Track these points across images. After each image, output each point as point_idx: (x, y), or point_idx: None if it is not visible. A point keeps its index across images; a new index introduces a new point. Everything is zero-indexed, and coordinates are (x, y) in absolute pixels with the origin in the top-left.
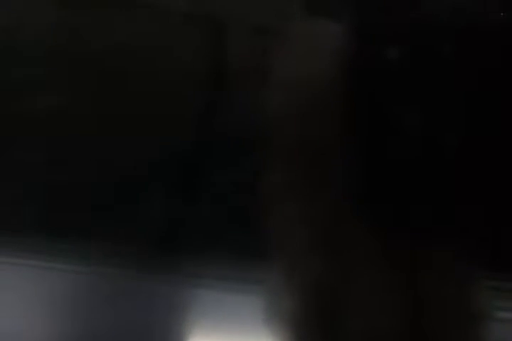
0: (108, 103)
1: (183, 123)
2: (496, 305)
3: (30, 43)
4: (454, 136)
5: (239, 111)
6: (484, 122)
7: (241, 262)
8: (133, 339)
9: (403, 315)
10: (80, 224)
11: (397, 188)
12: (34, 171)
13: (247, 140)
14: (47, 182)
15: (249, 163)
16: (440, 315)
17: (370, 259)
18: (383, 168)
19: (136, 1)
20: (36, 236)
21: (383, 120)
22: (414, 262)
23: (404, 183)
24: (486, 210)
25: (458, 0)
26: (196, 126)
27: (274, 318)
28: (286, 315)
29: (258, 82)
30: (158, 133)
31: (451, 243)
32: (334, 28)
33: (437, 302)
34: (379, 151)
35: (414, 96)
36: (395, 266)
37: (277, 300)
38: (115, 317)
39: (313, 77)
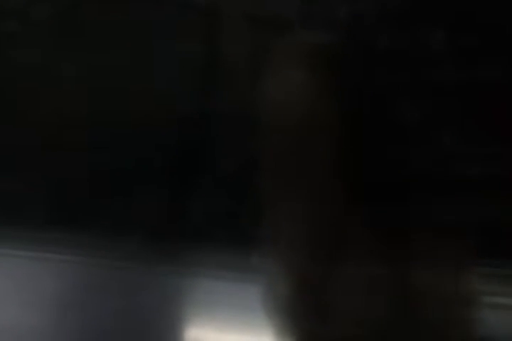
0: (104, 98)
1: (182, 115)
2: (492, 290)
3: None
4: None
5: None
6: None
7: (239, 251)
8: (133, 329)
9: (396, 301)
10: (78, 214)
11: (396, 183)
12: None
13: (247, 132)
14: (45, 173)
15: (248, 153)
16: (434, 302)
17: (364, 247)
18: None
19: None
20: (36, 227)
21: (380, 133)
22: (409, 249)
23: (402, 178)
24: (482, 196)
25: None
26: (195, 118)
27: (271, 306)
28: (283, 303)
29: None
30: (157, 126)
31: (448, 228)
32: (330, 46)
33: (432, 288)
34: (377, 151)
35: (412, 109)
36: (389, 253)
37: (274, 288)
38: (113, 308)
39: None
